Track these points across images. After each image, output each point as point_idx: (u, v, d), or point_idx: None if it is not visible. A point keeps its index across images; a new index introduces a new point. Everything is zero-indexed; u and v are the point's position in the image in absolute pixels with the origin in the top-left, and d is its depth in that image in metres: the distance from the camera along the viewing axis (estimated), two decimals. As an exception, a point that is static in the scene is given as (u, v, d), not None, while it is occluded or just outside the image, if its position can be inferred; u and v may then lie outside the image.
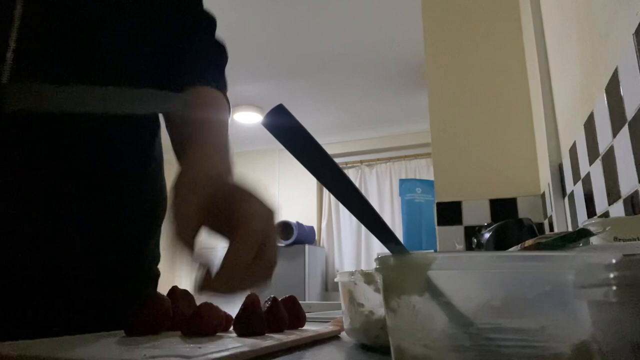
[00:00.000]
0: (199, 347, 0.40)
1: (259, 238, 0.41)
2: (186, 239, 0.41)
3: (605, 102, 0.90)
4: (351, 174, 5.63)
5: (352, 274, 0.52)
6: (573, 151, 1.23)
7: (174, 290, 0.56)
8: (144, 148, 0.66)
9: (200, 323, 0.49)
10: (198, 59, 0.68)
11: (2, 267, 0.51)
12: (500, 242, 1.42)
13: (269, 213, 0.43)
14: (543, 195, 1.75)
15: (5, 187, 0.50)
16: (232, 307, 0.56)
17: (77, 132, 0.56)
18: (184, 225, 0.41)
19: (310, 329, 0.58)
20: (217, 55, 0.72)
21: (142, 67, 0.64)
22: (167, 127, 0.66)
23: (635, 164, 0.77)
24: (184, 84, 0.63)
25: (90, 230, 0.57)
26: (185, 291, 0.57)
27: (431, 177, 2.27)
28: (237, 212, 0.42)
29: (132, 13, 0.62)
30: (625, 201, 0.85)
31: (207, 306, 0.51)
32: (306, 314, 0.63)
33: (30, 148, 0.52)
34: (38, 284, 0.53)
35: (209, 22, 0.74)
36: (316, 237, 5.52)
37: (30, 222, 0.52)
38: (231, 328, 0.55)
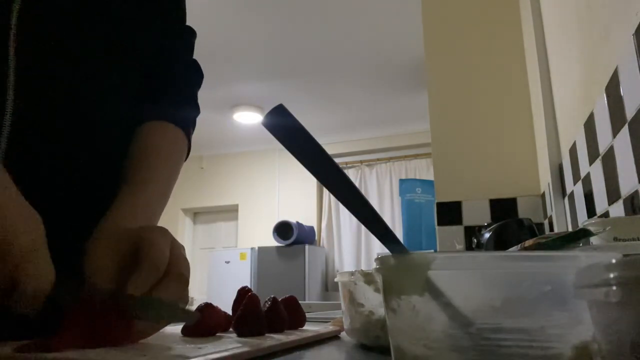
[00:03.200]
0: (199, 347, 0.40)
1: (160, 261, 0.43)
2: (99, 287, 0.43)
3: (605, 102, 0.90)
4: (351, 174, 5.62)
5: (352, 274, 0.52)
6: (573, 151, 1.23)
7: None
8: None
9: (200, 323, 0.49)
10: (169, 87, 0.69)
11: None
12: (500, 242, 1.42)
13: (167, 243, 0.46)
14: (543, 195, 1.75)
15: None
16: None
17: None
18: (95, 275, 0.44)
19: (310, 329, 0.58)
20: (191, 79, 0.73)
21: (133, 65, 0.64)
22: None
23: (635, 164, 0.77)
24: (145, 117, 0.64)
25: None
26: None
27: (431, 177, 2.27)
28: (141, 252, 0.44)
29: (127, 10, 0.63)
30: (625, 201, 0.85)
31: (207, 306, 0.51)
32: (306, 314, 0.63)
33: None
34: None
35: (190, 34, 0.75)
36: (316, 237, 5.51)
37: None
38: (231, 328, 0.54)
